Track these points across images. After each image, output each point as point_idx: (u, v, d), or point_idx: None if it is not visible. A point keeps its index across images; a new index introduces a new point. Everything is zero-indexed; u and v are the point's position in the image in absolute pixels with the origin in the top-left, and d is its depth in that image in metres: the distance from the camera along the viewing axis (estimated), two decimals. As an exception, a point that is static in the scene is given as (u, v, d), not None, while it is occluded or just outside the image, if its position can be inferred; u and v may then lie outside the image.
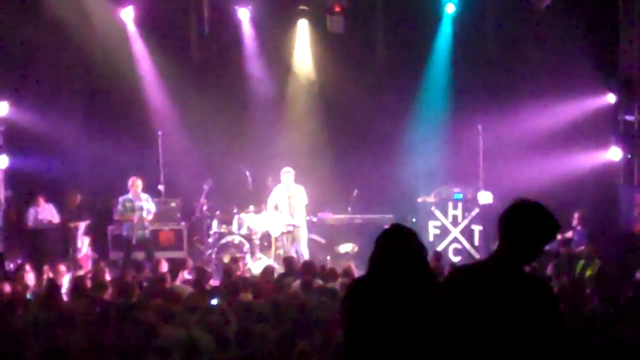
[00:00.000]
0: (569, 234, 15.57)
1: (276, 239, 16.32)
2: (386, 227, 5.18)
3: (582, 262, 13.76)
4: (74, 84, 18.45)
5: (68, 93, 18.22)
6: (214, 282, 12.38)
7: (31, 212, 16.62)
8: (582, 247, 14.88)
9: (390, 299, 4.90)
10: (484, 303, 4.58)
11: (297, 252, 15.73)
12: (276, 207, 16.14)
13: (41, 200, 16.69)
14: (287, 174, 15.97)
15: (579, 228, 15.44)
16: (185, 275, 12.86)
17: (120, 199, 15.79)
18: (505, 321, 4.50)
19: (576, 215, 15.42)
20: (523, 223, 4.65)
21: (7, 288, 11.29)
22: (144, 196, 15.91)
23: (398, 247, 4.97)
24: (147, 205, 15.86)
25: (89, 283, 11.30)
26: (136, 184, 15.77)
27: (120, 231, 16.20)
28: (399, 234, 5.05)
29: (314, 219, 16.84)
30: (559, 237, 15.73)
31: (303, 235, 16.18)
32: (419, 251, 5.00)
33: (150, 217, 15.92)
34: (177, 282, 12.06)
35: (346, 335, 5.13)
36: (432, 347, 4.79)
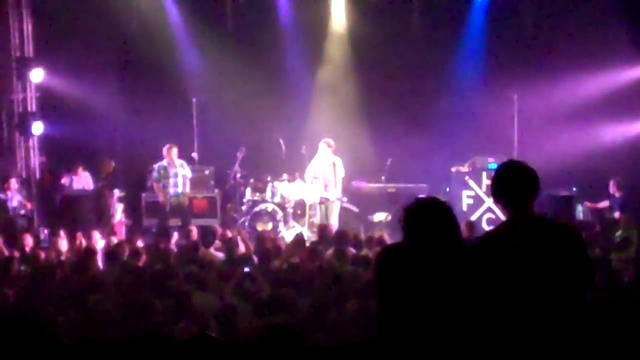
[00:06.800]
0: (603, 204, 15.51)
1: (310, 207, 16.33)
2: (418, 197, 5.24)
3: (619, 232, 13.46)
4: (109, 51, 18.47)
5: (103, 60, 18.25)
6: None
7: (66, 179, 16.74)
8: (617, 214, 14.81)
9: (433, 265, 4.91)
10: (530, 254, 4.89)
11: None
12: (315, 177, 16.12)
13: (79, 170, 16.79)
14: (328, 145, 15.94)
15: (616, 195, 15.35)
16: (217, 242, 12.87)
17: (156, 165, 15.88)
18: (552, 266, 4.87)
19: (612, 182, 15.35)
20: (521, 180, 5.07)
21: (42, 254, 11.39)
22: (179, 162, 15.97)
23: (434, 215, 5.00)
24: (183, 172, 15.93)
25: (122, 250, 11.35)
26: (172, 151, 15.84)
27: (154, 198, 16.31)
28: (434, 204, 5.08)
29: (345, 199, 16.60)
30: (588, 204, 15.70)
31: (335, 208, 16.14)
32: (454, 218, 5.05)
33: (187, 183, 15.97)
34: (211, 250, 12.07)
35: (383, 304, 5.07)
36: (477, 310, 4.93)
